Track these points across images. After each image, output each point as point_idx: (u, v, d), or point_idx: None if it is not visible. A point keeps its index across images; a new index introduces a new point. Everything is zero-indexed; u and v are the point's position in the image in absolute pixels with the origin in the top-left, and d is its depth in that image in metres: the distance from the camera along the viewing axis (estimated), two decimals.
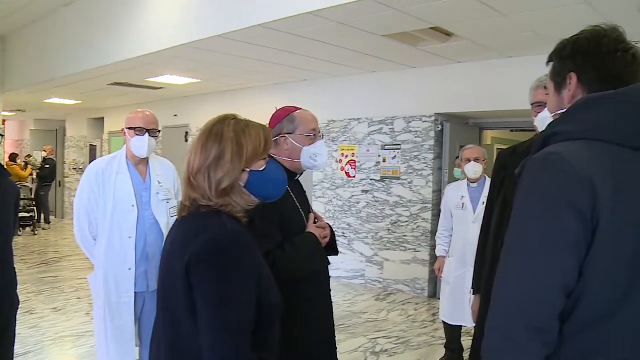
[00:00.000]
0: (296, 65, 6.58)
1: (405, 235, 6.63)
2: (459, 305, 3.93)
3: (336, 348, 2.19)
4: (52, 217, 12.24)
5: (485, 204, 2.67)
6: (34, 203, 11.42)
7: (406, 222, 6.62)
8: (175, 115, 9.65)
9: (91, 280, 2.97)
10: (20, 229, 10.50)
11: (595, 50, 1.21)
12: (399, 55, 5.84)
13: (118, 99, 9.92)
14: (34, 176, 11.98)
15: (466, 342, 4.13)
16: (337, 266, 7.03)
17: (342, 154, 7.26)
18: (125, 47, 6.28)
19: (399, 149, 6.69)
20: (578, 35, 1.26)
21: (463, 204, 4.00)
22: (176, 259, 1.42)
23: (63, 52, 7.54)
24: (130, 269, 2.82)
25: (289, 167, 2.10)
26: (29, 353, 4.20)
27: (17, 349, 2.88)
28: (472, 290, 2.76)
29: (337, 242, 2.29)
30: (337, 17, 4.45)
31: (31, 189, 11.94)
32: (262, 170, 1.52)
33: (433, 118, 6.44)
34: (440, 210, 4.42)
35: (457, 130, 6.58)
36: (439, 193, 6.42)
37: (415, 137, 6.57)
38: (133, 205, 2.85)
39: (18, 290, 2.67)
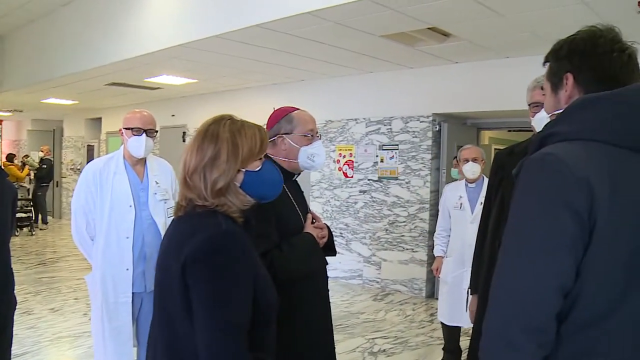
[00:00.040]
0: (294, 66, 6.58)
1: (402, 236, 6.63)
2: (456, 305, 3.93)
3: (334, 348, 2.20)
4: (49, 218, 12.22)
5: (483, 204, 2.67)
6: (31, 203, 11.39)
7: (404, 222, 6.62)
8: (173, 116, 9.65)
9: (89, 280, 2.96)
10: (18, 229, 10.48)
11: (591, 51, 1.21)
12: (396, 55, 5.84)
13: (116, 99, 9.91)
14: (32, 176, 11.95)
15: (464, 342, 4.13)
16: (335, 266, 7.04)
17: (340, 154, 7.27)
18: (123, 47, 6.27)
19: (397, 149, 6.69)
20: (574, 35, 1.26)
21: (461, 204, 4.00)
22: (172, 258, 1.42)
23: (61, 52, 7.53)
24: (127, 270, 2.82)
25: (286, 168, 2.10)
26: (26, 354, 4.19)
27: (15, 349, 2.88)
28: (469, 290, 2.76)
29: (335, 243, 2.29)
30: (335, 18, 4.45)
31: (28, 189, 11.92)
32: (257, 171, 1.52)
33: (431, 118, 6.44)
34: (437, 211, 4.42)
35: (454, 131, 6.59)
36: (436, 193, 6.43)
37: (413, 137, 6.57)
38: (130, 206, 2.85)
39: (15, 291, 2.67)
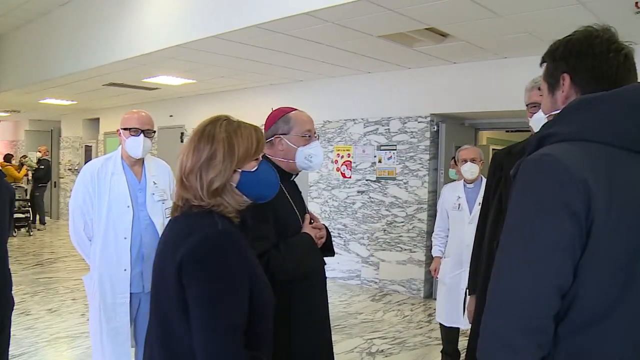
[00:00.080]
0: (292, 66, 6.58)
1: (401, 236, 6.63)
2: (454, 306, 3.92)
3: (332, 348, 2.19)
4: (47, 218, 12.20)
5: (481, 204, 2.67)
6: (29, 204, 11.37)
7: (402, 222, 6.62)
8: (171, 116, 9.64)
9: (86, 281, 2.96)
10: (15, 229, 10.47)
11: (587, 51, 1.21)
12: (394, 55, 5.85)
13: (113, 99, 9.90)
14: (29, 177, 11.94)
15: (462, 342, 4.13)
16: (333, 267, 7.04)
17: (338, 154, 7.27)
18: (121, 47, 6.27)
19: (395, 150, 6.70)
20: (570, 36, 1.26)
21: (459, 204, 3.99)
22: (168, 259, 1.42)
23: (58, 52, 7.52)
24: (125, 270, 2.82)
25: (284, 168, 2.10)
26: (24, 354, 4.18)
27: (12, 350, 2.87)
28: (467, 290, 2.76)
29: (333, 243, 2.29)
30: (333, 18, 4.45)
31: (26, 190, 11.90)
32: (253, 171, 1.52)
33: (429, 118, 6.45)
34: (436, 211, 4.42)
35: (452, 131, 6.59)
36: (434, 193, 6.43)
37: (411, 137, 6.57)
38: (128, 206, 2.85)
39: (13, 292, 2.66)
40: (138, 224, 2.86)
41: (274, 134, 2.11)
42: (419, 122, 6.51)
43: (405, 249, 6.59)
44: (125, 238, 2.82)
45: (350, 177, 7.15)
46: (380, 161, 6.83)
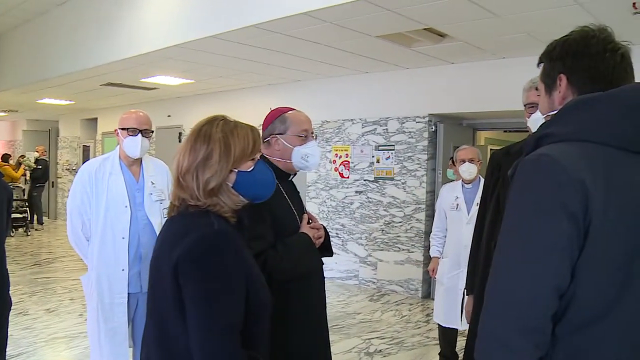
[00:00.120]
0: (290, 66, 6.58)
1: (399, 236, 6.63)
2: (452, 306, 3.92)
3: (330, 348, 2.19)
4: (44, 218, 12.19)
5: (479, 204, 2.67)
6: (27, 204, 11.36)
7: (400, 222, 6.63)
8: (169, 116, 9.63)
9: (84, 281, 2.96)
10: (13, 230, 10.45)
11: (583, 51, 1.21)
12: (392, 56, 5.85)
13: (111, 99, 9.89)
14: (27, 177, 11.92)
15: (460, 342, 4.13)
16: (331, 267, 7.04)
17: (336, 154, 7.27)
18: (119, 47, 6.26)
19: (393, 150, 6.70)
20: (567, 36, 1.26)
21: (457, 204, 3.99)
22: (164, 259, 1.42)
23: (56, 51, 7.51)
24: (123, 270, 2.81)
25: (282, 168, 2.10)
26: (21, 354, 4.18)
27: (10, 350, 2.87)
28: (465, 291, 2.76)
29: (331, 243, 2.29)
30: (331, 18, 4.45)
31: (24, 190, 11.89)
32: (250, 171, 1.52)
33: (427, 119, 6.45)
34: (434, 211, 4.42)
35: (450, 131, 6.60)
36: (432, 194, 6.44)
37: (409, 137, 6.58)
38: (126, 206, 2.84)
39: (10, 291, 2.67)
40: (136, 224, 2.85)
41: (271, 133, 2.11)
42: (417, 122, 6.51)
43: (403, 249, 6.59)
44: (123, 238, 2.82)
45: (348, 177, 7.15)
46: (378, 161, 6.83)
